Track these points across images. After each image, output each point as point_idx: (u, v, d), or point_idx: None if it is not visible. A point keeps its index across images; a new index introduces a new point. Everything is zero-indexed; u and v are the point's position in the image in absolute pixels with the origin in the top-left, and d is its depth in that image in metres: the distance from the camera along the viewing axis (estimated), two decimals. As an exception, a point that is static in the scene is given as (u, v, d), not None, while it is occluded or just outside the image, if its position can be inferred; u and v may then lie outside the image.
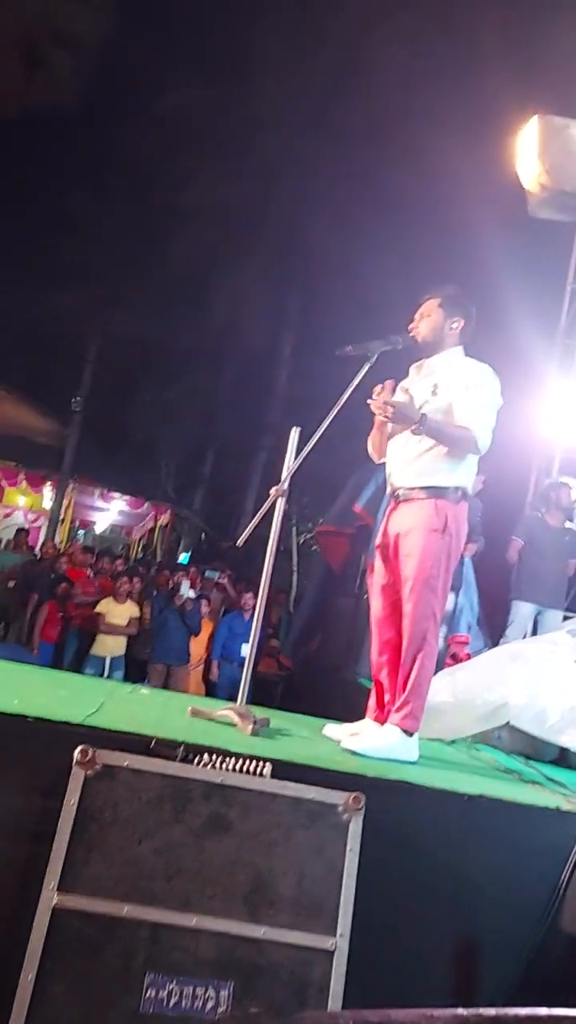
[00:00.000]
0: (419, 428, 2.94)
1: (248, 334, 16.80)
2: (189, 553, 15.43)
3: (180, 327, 16.62)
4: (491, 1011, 0.73)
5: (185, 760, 2.13)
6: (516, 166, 8.05)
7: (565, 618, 6.32)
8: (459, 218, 13.60)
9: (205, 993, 1.83)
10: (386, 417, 2.99)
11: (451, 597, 6.04)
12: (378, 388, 3.03)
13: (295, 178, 16.84)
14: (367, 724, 3.05)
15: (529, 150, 7.81)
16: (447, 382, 3.00)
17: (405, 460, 3.05)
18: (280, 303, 17.48)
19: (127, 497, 15.46)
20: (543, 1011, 0.72)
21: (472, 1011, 0.73)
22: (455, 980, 2.38)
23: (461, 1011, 0.73)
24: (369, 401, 3.00)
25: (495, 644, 5.65)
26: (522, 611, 6.31)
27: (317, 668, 7.23)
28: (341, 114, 16.54)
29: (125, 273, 17.59)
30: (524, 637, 6.12)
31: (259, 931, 1.92)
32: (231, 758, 2.14)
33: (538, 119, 7.72)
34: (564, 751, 3.61)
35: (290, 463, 2.96)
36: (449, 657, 5.56)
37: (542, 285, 9.32)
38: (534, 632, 6.27)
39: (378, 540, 3.14)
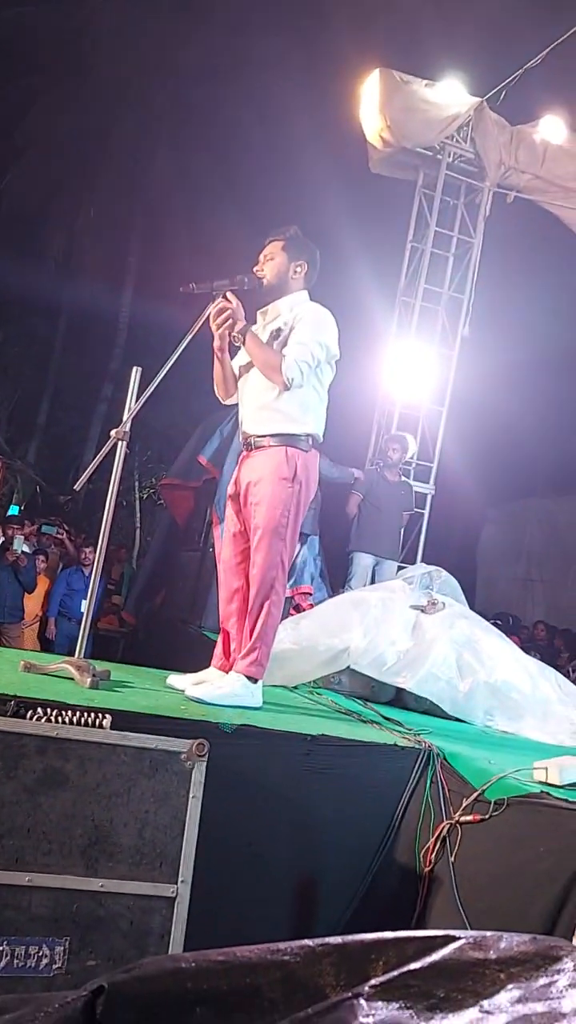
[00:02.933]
0: (239, 336, 2.91)
1: (86, 278, 16.03)
2: (20, 506, 14.64)
3: (10, 269, 15.60)
4: (337, 939, 0.71)
5: (17, 715, 2.01)
6: (360, 119, 8.02)
7: (399, 568, 6.58)
8: (303, 168, 13.55)
9: (39, 951, 1.75)
10: (223, 315, 2.91)
11: (299, 548, 6.12)
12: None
13: (134, 115, 16.07)
14: (212, 673, 3.02)
15: (371, 104, 7.77)
16: (288, 324, 2.96)
17: (255, 407, 3.00)
18: (119, 246, 16.76)
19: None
20: (389, 935, 0.71)
21: (318, 940, 0.71)
22: (295, 916, 2.43)
23: (307, 941, 0.71)
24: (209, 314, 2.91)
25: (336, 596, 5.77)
26: (363, 562, 6.50)
27: (161, 622, 7.14)
28: (178, 52, 15.88)
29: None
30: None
31: (97, 884, 1.86)
32: (68, 711, 2.05)
33: (380, 73, 7.67)
34: (399, 692, 3.76)
35: (132, 404, 2.83)
36: (292, 608, 5.65)
37: (383, 242, 9.47)
38: (372, 582, 6.47)
39: (231, 489, 3.09)
